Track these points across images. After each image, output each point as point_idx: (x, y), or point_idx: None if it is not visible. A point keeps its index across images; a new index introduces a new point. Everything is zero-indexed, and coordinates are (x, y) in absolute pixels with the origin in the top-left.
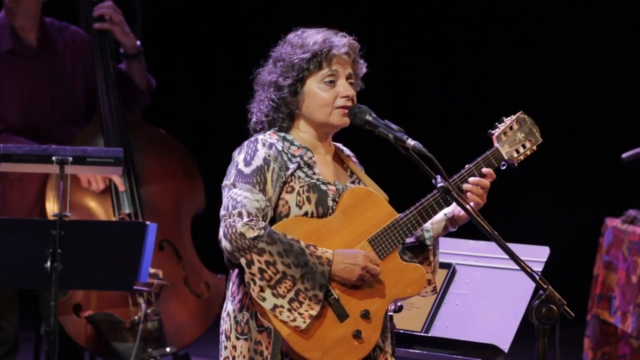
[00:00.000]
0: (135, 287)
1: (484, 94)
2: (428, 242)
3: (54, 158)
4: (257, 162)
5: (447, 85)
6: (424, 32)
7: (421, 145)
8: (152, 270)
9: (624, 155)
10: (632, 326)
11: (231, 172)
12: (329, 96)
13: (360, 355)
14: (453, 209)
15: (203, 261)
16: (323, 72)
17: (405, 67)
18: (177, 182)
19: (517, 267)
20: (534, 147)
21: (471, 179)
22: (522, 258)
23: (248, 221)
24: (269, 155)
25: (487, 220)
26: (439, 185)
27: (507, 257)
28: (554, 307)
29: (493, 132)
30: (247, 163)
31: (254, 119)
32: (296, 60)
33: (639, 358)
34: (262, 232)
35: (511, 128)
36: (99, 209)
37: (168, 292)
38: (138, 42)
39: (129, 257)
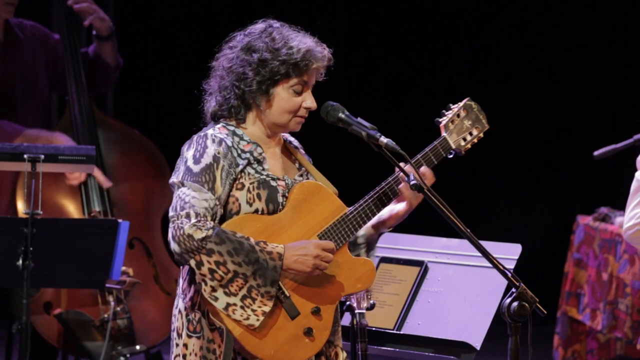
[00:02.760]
0: (107, 285)
1: (455, 95)
2: (360, 240)
3: (25, 156)
4: (206, 159)
5: (423, 86)
6: (408, 31)
7: (394, 143)
8: (122, 268)
9: (595, 153)
10: (602, 323)
11: (180, 169)
12: (294, 104)
13: (311, 353)
14: (389, 210)
15: (174, 258)
16: (295, 81)
17: (390, 65)
18: (147, 180)
19: (490, 265)
20: (481, 135)
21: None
22: (494, 255)
23: (196, 222)
24: (218, 153)
25: (460, 218)
26: (412, 183)
27: (479, 254)
28: (526, 305)
29: (440, 120)
30: (196, 161)
31: (212, 104)
32: (276, 62)
33: (605, 352)
34: (210, 232)
35: (458, 115)
36: (69, 207)
37: (139, 290)
38: (111, 24)
39: (101, 254)
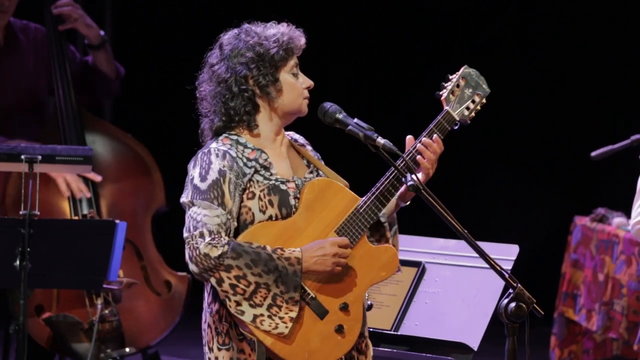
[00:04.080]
0: (104, 286)
1: None
2: (382, 219)
3: (22, 157)
4: (213, 175)
5: (423, 86)
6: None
7: (391, 144)
8: None
9: (593, 154)
10: (597, 324)
11: (188, 187)
12: (300, 86)
13: (345, 350)
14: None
15: (165, 259)
16: (291, 64)
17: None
18: (136, 181)
19: (487, 266)
20: (484, 100)
21: (423, 140)
22: (491, 256)
23: (210, 240)
24: (223, 166)
25: (457, 219)
26: (409, 183)
27: (476, 255)
28: (524, 305)
29: (440, 93)
30: (203, 178)
31: (216, 121)
32: (272, 51)
33: (601, 352)
34: (226, 248)
35: (458, 86)
36: (57, 209)
37: (129, 291)
38: (102, 32)
39: (99, 255)
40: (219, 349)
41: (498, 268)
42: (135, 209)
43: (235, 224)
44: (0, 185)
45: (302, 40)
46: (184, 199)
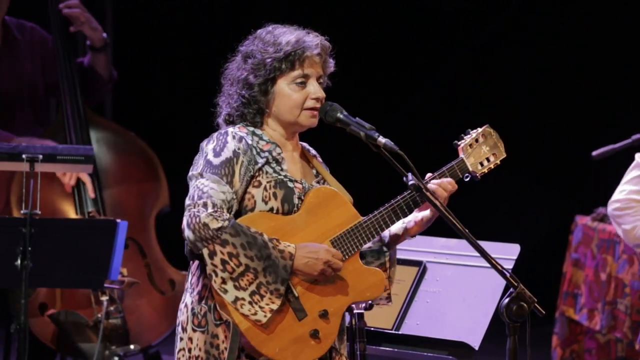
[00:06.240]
0: (106, 285)
1: (453, 96)
2: (385, 248)
3: (24, 156)
4: (227, 154)
5: (423, 86)
6: (395, 38)
7: (392, 143)
8: None
9: (594, 153)
10: (600, 323)
11: (199, 162)
12: (299, 97)
13: (316, 355)
14: (412, 217)
15: (168, 258)
16: (295, 74)
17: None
18: (141, 181)
19: (488, 265)
20: (498, 162)
21: (435, 181)
22: (492, 256)
23: (212, 212)
24: (238, 148)
25: (458, 218)
26: (410, 183)
27: (478, 254)
28: (525, 305)
29: (459, 143)
30: (217, 154)
31: (224, 113)
32: (268, 60)
33: (605, 353)
34: (227, 223)
35: (477, 140)
36: (61, 208)
37: (133, 290)
38: (104, 35)
39: (100, 255)
40: (194, 330)
41: (499, 267)
42: (140, 208)
43: (237, 206)
44: (4, 184)
45: (314, 52)
46: (193, 171)
